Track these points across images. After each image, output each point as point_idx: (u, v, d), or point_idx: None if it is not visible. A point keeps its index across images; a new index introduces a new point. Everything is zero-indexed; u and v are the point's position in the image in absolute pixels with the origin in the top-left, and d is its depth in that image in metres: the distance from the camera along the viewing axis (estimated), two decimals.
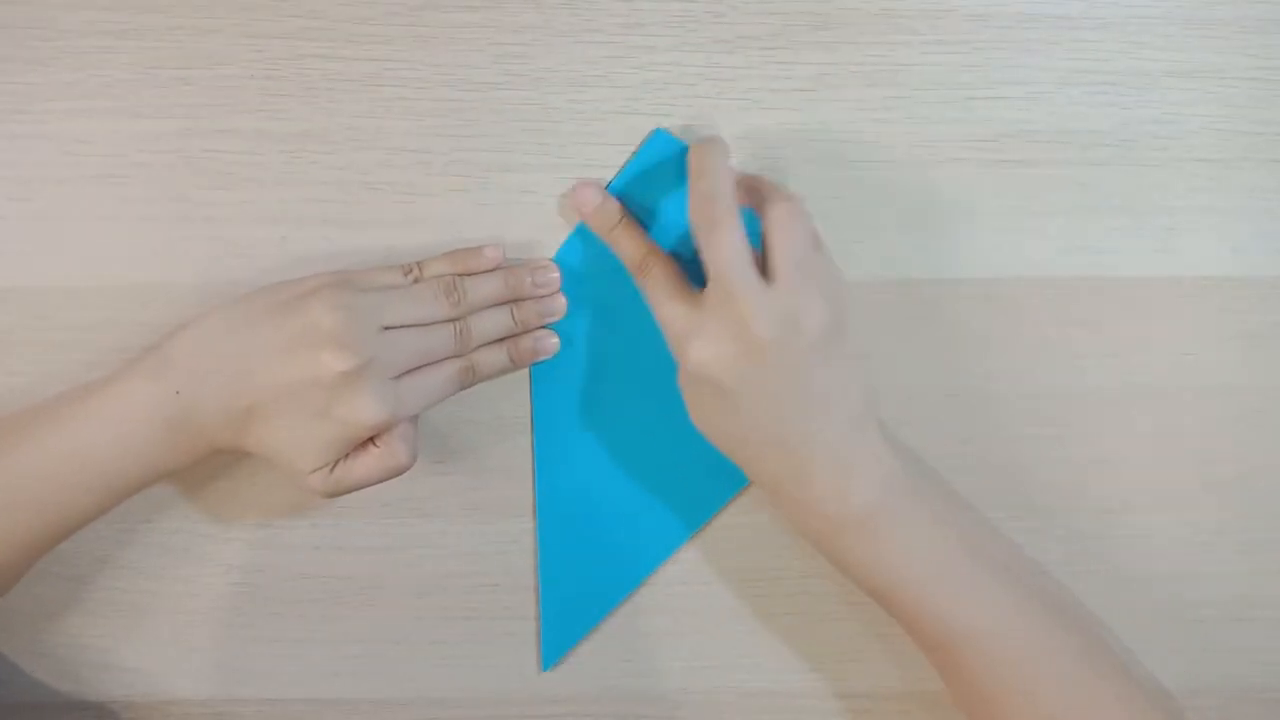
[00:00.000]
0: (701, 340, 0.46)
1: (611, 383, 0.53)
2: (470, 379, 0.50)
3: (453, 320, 0.49)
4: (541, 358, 0.52)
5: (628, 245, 0.50)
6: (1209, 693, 0.56)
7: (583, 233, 0.52)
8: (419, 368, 0.48)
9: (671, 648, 0.55)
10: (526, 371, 0.53)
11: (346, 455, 0.47)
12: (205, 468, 0.53)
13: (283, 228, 0.52)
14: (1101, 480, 0.55)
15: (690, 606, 0.55)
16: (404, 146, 0.52)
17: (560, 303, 0.52)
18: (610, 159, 0.52)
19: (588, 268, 0.52)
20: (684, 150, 0.50)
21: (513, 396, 0.54)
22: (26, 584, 0.50)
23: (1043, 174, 0.53)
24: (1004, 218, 0.53)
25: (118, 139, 0.51)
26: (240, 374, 0.46)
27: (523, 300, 0.51)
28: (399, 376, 0.47)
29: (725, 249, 0.45)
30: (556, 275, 0.52)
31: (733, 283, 0.45)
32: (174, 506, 0.54)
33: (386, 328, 0.47)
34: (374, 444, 0.47)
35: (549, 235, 0.52)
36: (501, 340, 0.51)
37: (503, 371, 0.51)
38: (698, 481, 0.54)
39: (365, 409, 0.46)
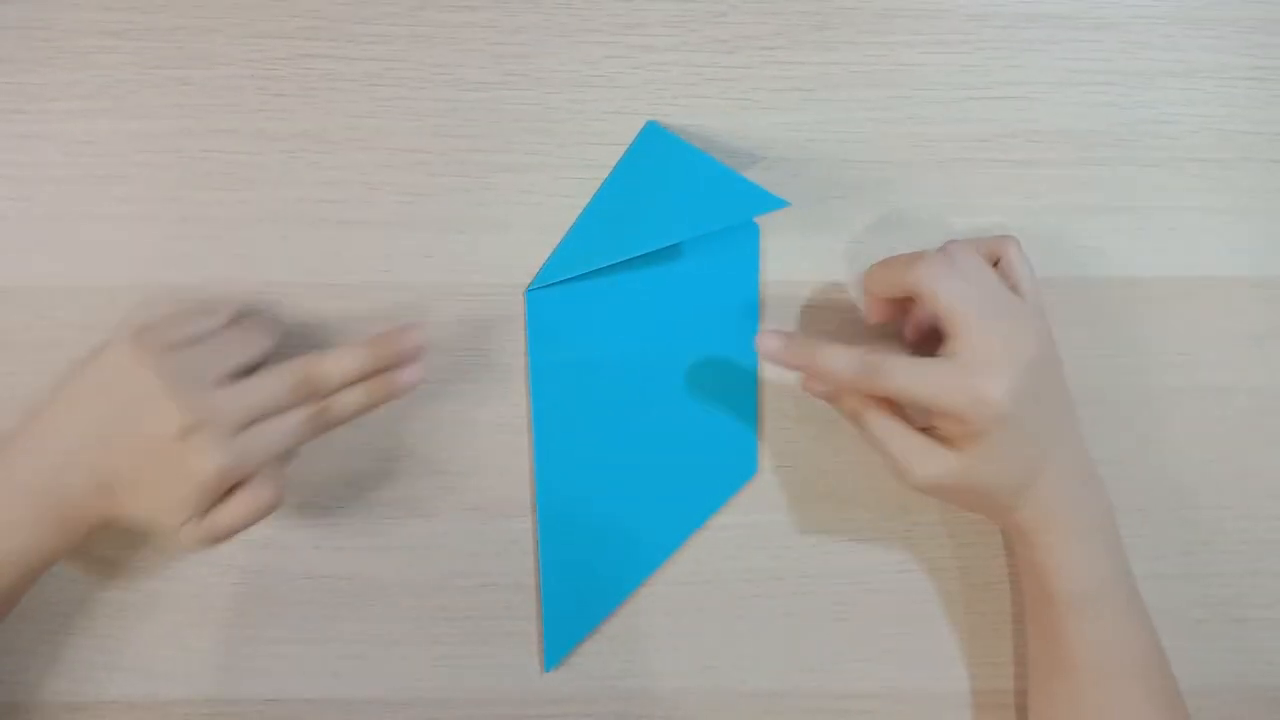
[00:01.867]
0: (992, 374, 0.44)
1: (610, 382, 0.53)
2: (323, 425, 0.48)
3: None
4: (402, 394, 0.49)
5: (837, 362, 0.47)
6: (1209, 693, 0.56)
7: (576, 236, 0.52)
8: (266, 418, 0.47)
9: (671, 648, 0.55)
10: (526, 372, 0.53)
11: (212, 505, 0.47)
12: None
13: (283, 228, 0.52)
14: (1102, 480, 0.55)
15: (690, 606, 0.55)
16: (403, 146, 0.52)
17: (419, 339, 0.49)
18: (610, 159, 0.52)
19: (587, 272, 0.52)
20: (676, 143, 0.50)
21: (513, 397, 0.54)
22: None
23: (1043, 174, 0.53)
24: (1004, 218, 0.53)
25: (118, 139, 0.51)
26: (81, 450, 0.46)
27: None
28: (246, 427, 0.46)
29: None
30: (422, 336, 0.49)
31: (985, 318, 0.45)
32: None
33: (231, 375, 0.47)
34: (239, 488, 0.47)
35: (549, 235, 0.52)
36: (358, 383, 0.49)
37: (362, 412, 0.49)
38: (697, 481, 0.54)
39: (204, 466, 0.45)
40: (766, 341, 0.48)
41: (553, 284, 0.52)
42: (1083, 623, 0.48)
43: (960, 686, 0.56)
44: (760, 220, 0.53)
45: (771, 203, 0.48)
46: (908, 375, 0.45)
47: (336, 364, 0.48)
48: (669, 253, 0.52)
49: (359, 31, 0.51)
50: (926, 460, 0.46)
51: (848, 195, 0.53)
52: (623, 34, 0.52)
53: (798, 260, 0.53)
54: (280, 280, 0.52)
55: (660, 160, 0.51)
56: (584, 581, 0.54)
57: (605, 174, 0.52)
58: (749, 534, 0.55)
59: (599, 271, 0.52)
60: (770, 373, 0.54)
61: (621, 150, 0.52)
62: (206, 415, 0.45)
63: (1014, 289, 0.48)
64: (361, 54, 0.51)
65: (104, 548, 0.54)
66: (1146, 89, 0.53)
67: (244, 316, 0.51)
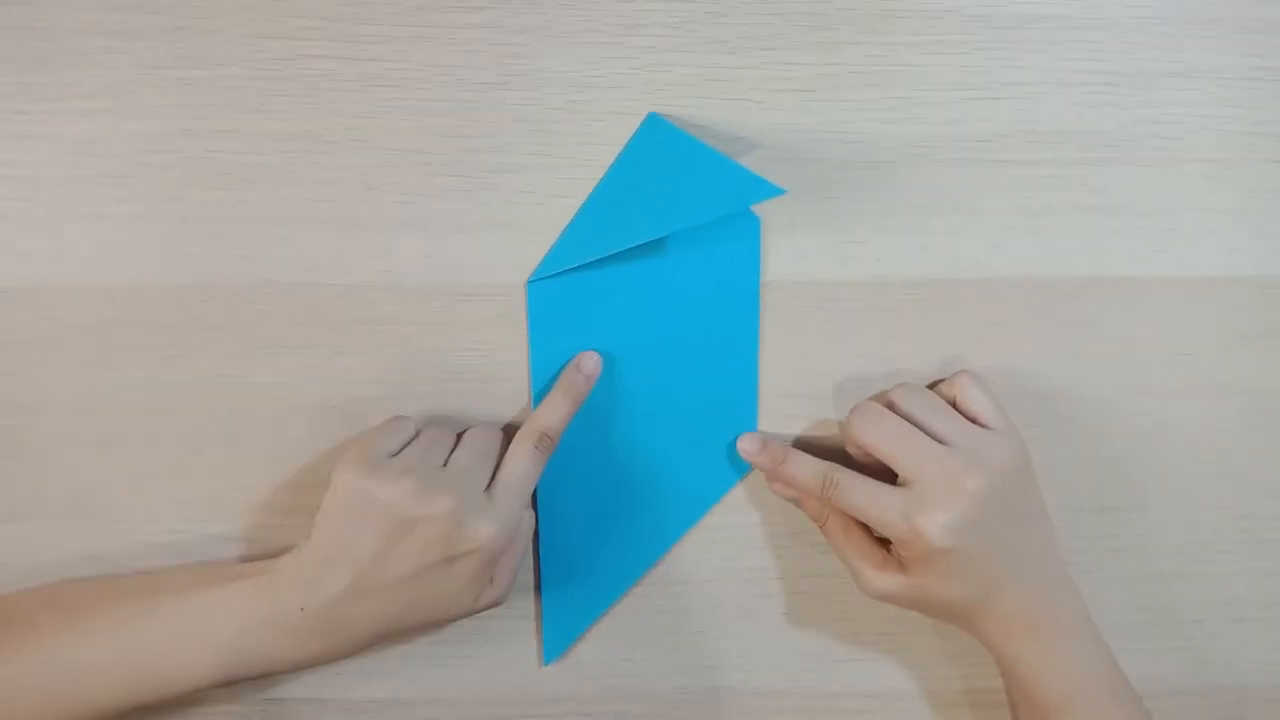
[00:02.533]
0: (928, 508, 0.47)
1: (610, 374, 0.53)
2: (549, 445, 0.51)
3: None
4: (593, 381, 0.52)
5: (803, 472, 0.51)
6: (1209, 693, 0.56)
7: (577, 227, 0.52)
8: (495, 472, 0.50)
9: (671, 648, 0.55)
10: (527, 371, 0.53)
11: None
12: (205, 467, 0.53)
13: (283, 228, 0.52)
14: (1102, 480, 0.55)
15: (690, 606, 0.55)
16: (404, 146, 0.52)
17: (596, 360, 0.53)
18: (610, 160, 0.52)
19: (587, 262, 0.52)
20: (677, 134, 0.50)
21: (513, 397, 0.54)
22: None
23: (1043, 174, 0.53)
24: (1004, 218, 0.53)
25: (118, 139, 0.51)
26: (360, 580, 0.47)
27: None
28: (487, 488, 0.49)
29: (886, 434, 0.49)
30: (597, 357, 0.53)
31: (923, 455, 0.48)
32: (174, 507, 0.54)
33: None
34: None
35: (549, 235, 0.52)
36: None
37: (571, 417, 0.52)
38: (697, 473, 0.54)
39: (480, 531, 0.47)
40: (745, 443, 0.52)
41: (553, 275, 0.52)
42: None
43: (960, 686, 0.56)
44: (761, 219, 0.53)
45: (768, 190, 0.48)
46: (859, 498, 0.49)
47: (554, 416, 0.51)
48: (670, 245, 0.52)
49: (359, 32, 0.51)
50: (876, 576, 0.50)
51: (847, 195, 0.53)
52: (623, 34, 0.52)
53: (798, 260, 0.53)
54: (280, 280, 0.52)
55: (661, 151, 0.51)
56: (583, 574, 0.54)
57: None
58: (749, 534, 0.55)
59: (600, 263, 0.52)
60: (771, 372, 0.54)
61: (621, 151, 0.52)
62: (458, 491, 0.47)
63: (975, 420, 0.50)
64: (362, 54, 0.51)
65: (104, 546, 0.54)
66: (1146, 89, 0.53)
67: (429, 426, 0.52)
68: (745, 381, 0.54)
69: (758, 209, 0.52)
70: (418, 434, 0.51)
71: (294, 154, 0.52)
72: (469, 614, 0.50)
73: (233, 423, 0.53)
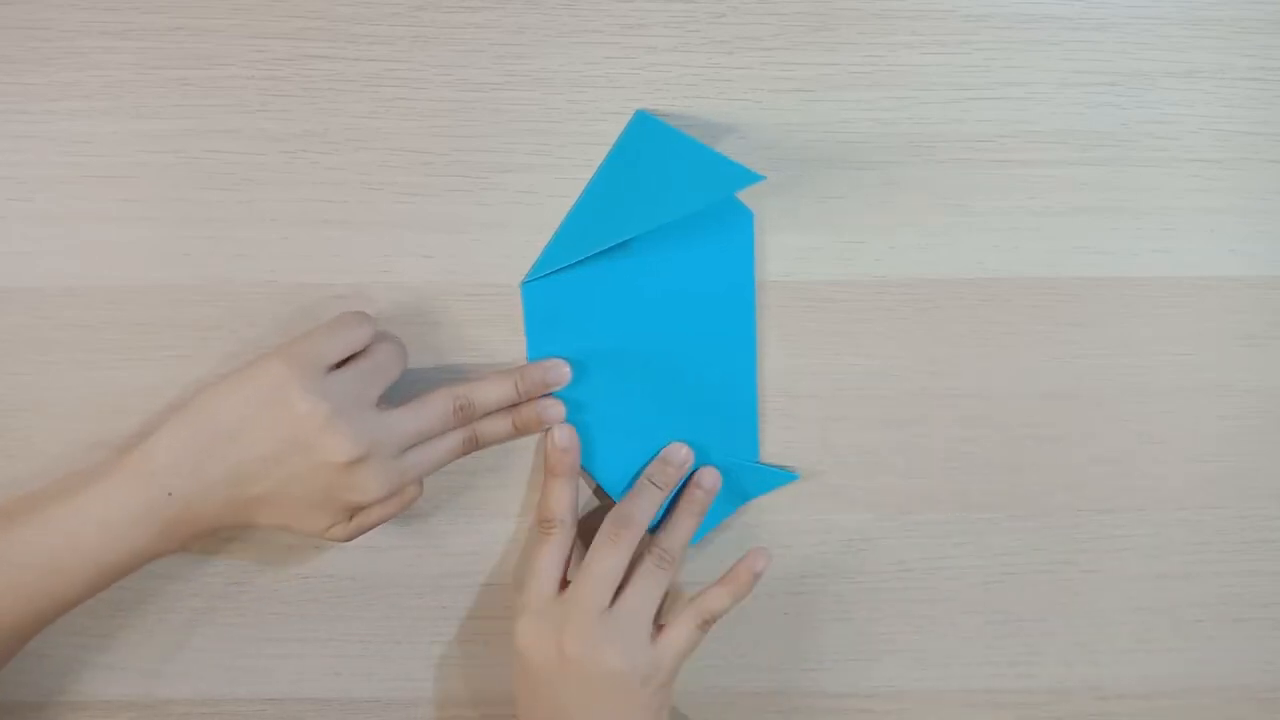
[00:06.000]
0: (528, 622, 0.50)
1: (609, 372, 0.53)
2: (473, 447, 0.52)
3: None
4: (547, 426, 0.52)
5: (556, 496, 0.52)
6: (1209, 693, 0.56)
7: (569, 227, 0.52)
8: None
9: None
10: None
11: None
12: None
13: (283, 228, 0.52)
14: (1101, 480, 0.55)
15: None
16: (404, 146, 0.52)
17: (565, 372, 0.52)
18: None
19: (580, 261, 0.52)
20: (662, 128, 0.51)
21: None
22: None
23: (1043, 174, 0.53)
24: (1004, 218, 0.53)
25: (118, 139, 0.51)
26: (236, 474, 0.46)
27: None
28: (405, 452, 0.49)
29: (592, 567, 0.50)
30: (568, 370, 0.52)
31: (581, 596, 0.50)
32: None
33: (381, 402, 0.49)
34: None
35: (548, 235, 0.52)
36: (504, 410, 0.52)
37: (506, 439, 0.53)
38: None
39: (370, 491, 0.47)
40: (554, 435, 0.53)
41: (546, 275, 0.52)
42: None
43: (960, 686, 0.56)
44: (760, 221, 0.53)
45: (748, 178, 0.48)
46: (538, 561, 0.52)
47: (487, 393, 0.51)
48: (664, 241, 0.52)
49: (360, 32, 0.51)
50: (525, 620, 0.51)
51: (847, 196, 0.53)
52: (623, 34, 0.52)
53: (798, 260, 0.53)
54: (280, 280, 0.52)
55: (648, 147, 0.51)
56: None
57: None
58: (749, 534, 0.55)
59: (593, 261, 0.52)
60: (771, 373, 0.54)
61: None
62: (373, 446, 0.47)
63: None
64: (362, 54, 0.51)
65: None
66: (1146, 89, 0.53)
67: (382, 333, 0.51)
68: (744, 378, 0.54)
69: (756, 207, 0.52)
70: (368, 348, 0.49)
71: (294, 154, 0.52)
72: (316, 537, 0.49)
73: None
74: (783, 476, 0.54)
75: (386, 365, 0.50)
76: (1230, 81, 0.53)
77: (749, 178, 0.48)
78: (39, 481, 0.52)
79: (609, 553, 0.50)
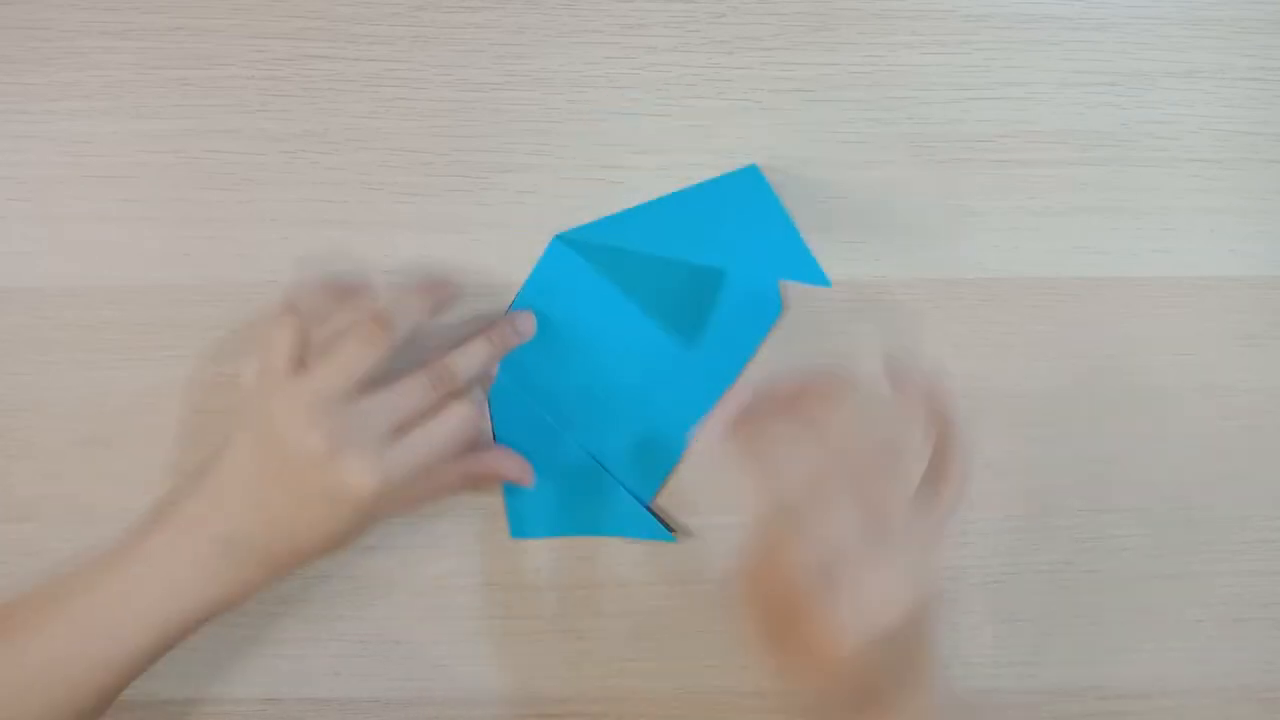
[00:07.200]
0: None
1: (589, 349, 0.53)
2: (454, 387, 0.49)
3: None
4: (523, 337, 0.52)
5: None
6: (1209, 693, 0.56)
7: (630, 218, 0.52)
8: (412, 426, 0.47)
9: (671, 648, 0.55)
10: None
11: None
12: None
13: (283, 228, 0.52)
14: (1102, 480, 0.55)
15: (690, 606, 0.55)
16: (404, 146, 0.52)
17: (533, 322, 0.52)
18: (611, 159, 0.52)
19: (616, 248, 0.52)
20: (765, 190, 0.51)
21: None
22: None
23: (1043, 174, 0.53)
24: (1004, 218, 0.53)
25: (118, 139, 0.51)
26: (256, 499, 0.46)
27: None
28: (395, 439, 0.46)
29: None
30: (534, 321, 0.52)
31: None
32: None
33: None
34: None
35: (549, 235, 0.52)
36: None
37: (486, 366, 0.51)
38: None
39: (361, 486, 0.45)
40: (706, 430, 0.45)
41: (582, 241, 0.52)
42: None
43: (959, 686, 0.56)
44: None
45: (817, 276, 0.50)
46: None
47: (468, 360, 0.49)
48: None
49: (360, 32, 0.51)
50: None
51: (847, 196, 0.53)
52: (623, 34, 0.52)
53: None
54: (281, 280, 0.52)
55: (741, 195, 0.51)
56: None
57: (606, 174, 0.52)
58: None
59: (623, 257, 0.52)
60: (770, 371, 0.54)
61: (622, 151, 0.52)
62: (351, 433, 0.45)
63: (932, 485, 0.42)
64: (362, 54, 0.51)
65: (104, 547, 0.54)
66: (1146, 89, 0.53)
67: (370, 308, 0.49)
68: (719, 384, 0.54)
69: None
70: (343, 334, 0.47)
71: (294, 154, 0.52)
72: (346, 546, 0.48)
73: (232, 423, 0.53)
74: (660, 533, 0.54)
75: (363, 345, 0.47)
76: (1230, 81, 0.53)
77: (817, 276, 0.50)
78: (39, 481, 0.52)
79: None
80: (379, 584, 0.54)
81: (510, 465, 0.52)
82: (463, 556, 0.54)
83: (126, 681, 0.47)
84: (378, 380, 0.47)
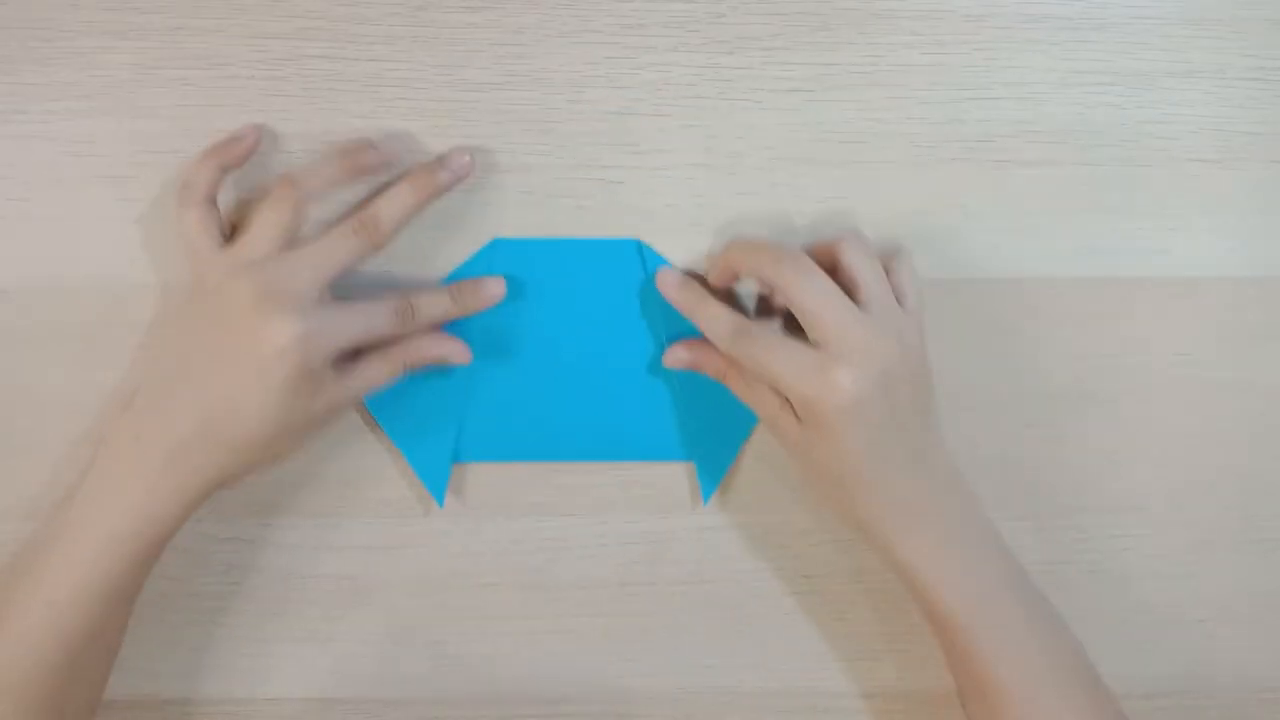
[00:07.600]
0: (843, 366, 0.46)
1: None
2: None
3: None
4: (490, 300, 0.51)
5: (717, 320, 0.50)
6: (1209, 693, 0.56)
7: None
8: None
9: (671, 648, 0.55)
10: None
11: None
12: None
13: None
14: (1102, 480, 0.55)
15: (690, 606, 0.55)
16: (404, 147, 0.52)
17: (502, 288, 0.51)
18: (610, 159, 0.52)
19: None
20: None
21: None
22: None
23: (1043, 174, 0.53)
24: (1004, 218, 0.53)
25: (118, 139, 0.51)
26: (189, 393, 0.47)
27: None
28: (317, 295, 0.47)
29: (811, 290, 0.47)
30: (503, 287, 0.51)
31: (846, 320, 0.47)
32: None
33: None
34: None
35: (549, 235, 0.52)
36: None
37: (446, 317, 0.51)
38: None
39: (275, 331, 0.45)
40: (665, 276, 0.51)
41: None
42: (975, 638, 0.47)
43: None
44: (762, 223, 0.53)
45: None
46: (772, 351, 0.47)
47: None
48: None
49: (360, 32, 0.51)
50: (779, 424, 0.49)
51: (847, 196, 0.53)
52: (623, 34, 0.52)
53: None
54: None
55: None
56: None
57: (605, 174, 0.52)
58: (749, 534, 0.55)
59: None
60: None
61: (622, 152, 0.52)
62: (272, 282, 0.46)
63: (898, 298, 0.49)
64: (362, 54, 0.51)
65: None
66: (1146, 89, 0.53)
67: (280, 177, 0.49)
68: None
69: (757, 208, 0.52)
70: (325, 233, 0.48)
71: (294, 154, 0.52)
72: (286, 451, 0.50)
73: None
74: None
75: (334, 252, 0.48)
76: (1230, 81, 0.53)
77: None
78: (39, 481, 0.52)
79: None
80: (379, 584, 0.54)
81: (446, 345, 0.51)
82: (463, 556, 0.54)
83: (128, 601, 0.49)
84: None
